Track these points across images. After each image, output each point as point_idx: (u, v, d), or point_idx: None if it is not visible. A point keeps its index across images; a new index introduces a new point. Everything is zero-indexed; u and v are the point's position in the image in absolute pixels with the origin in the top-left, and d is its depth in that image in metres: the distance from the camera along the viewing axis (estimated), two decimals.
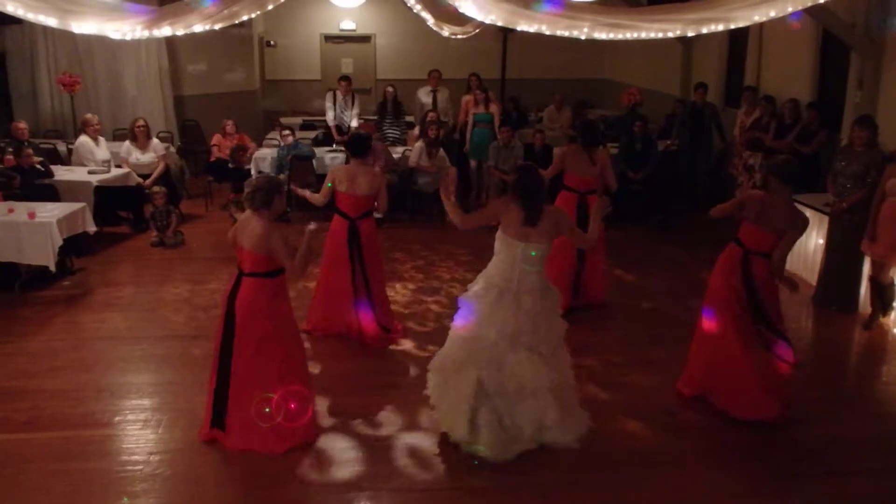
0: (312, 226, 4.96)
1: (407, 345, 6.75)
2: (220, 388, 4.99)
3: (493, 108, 11.53)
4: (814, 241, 7.93)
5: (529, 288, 4.98)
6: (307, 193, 6.86)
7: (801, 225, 5.35)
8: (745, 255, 5.39)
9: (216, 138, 11.40)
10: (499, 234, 5.10)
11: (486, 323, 4.98)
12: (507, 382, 4.95)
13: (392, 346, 6.70)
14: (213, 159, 11.20)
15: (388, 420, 5.46)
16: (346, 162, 10.40)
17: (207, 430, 5.09)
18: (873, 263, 7.04)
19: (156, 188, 9.80)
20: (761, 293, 5.36)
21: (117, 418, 5.45)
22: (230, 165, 10.61)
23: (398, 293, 7.88)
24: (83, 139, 10.39)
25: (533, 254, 5.03)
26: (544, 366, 4.97)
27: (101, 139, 10.59)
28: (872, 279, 7.10)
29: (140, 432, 5.25)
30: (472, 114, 11.51)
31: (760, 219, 5.31)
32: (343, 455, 5.01)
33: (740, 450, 5.17)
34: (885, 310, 7.12)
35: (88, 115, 10.66)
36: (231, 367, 4.93)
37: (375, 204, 6.69)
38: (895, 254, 6.76)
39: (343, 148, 11.15)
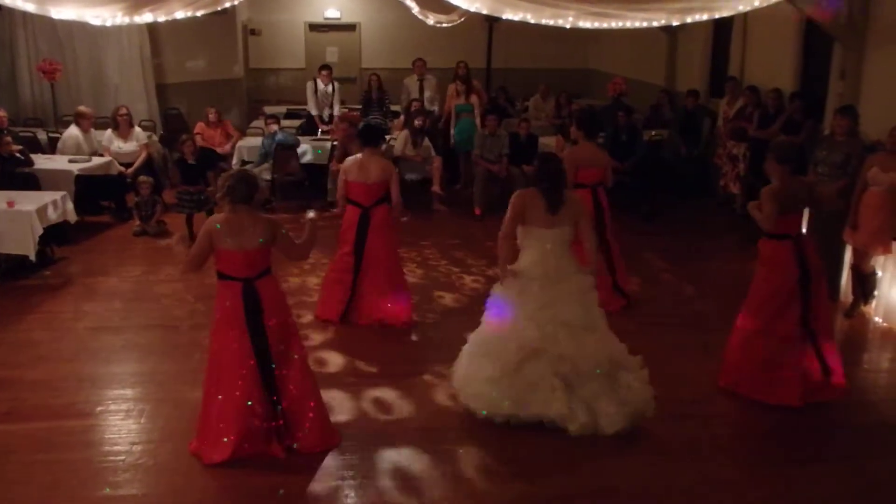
0: (312, 213, 4.92)
1: (400, 333, 6.75)
2: (271, 402, 4.74)
3: (474, 99, 11.48)
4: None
5: (566, 272, 5.11)
6: (336, 211, 6.90)
7: (815, 190, 5.57)
8: (796, 243, 5.41)
9: (199, 126, 11.32)
10: (522, 229, 5.15)
11: (538, 315, 5.06)
12: (581, 363, 5.03)
13: (392, 333, 6.72)
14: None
15: (373, 407, 5.46)
16: (331, 151, 10.41)
17: (201, 444, 4.81)
18: (855, 252, 7.08)
19: (142, 178, 9.69)
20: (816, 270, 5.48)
21: (99, 408, 5.40)
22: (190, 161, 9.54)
23: None
24: (73, 132, 10.27)
25: (548, 246, 5.13)
26: (605, 338, 5.13)
27: (93, 131, 10.47)
28: (854, 268, 7.15)
29: (122, 422, 5.21)
30: (454, 105, 11.48)
31: (792, 206, 5.40)
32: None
33: (725, 438, 5.20)
34: (867, 298, 7.17)
35: (84, 108, 10.55)
36: (279, 379, 4.72)
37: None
38: (876, 242, 6.81)
39: (326, 136, 11.14)
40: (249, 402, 4.68)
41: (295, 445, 4.83)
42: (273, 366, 4.70)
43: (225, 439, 4.68)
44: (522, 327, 5.09)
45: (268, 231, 4.60)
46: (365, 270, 6.68)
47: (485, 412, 5.18)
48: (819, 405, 5.54)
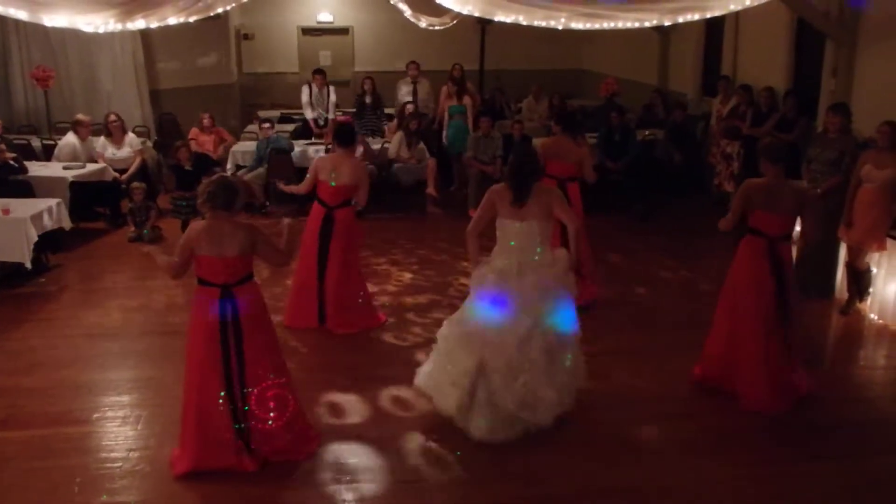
0: (287, 220, 4.90)
1: (388, 336, 6.75)
2: (237, 411, 4.64)
3: (466, 100, 11.52)
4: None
5: (533, 265, 5.09)
6: (292, 187, 7.00)
7: (809, 194, 5.58)
8: (770, 244, 5.43)
9: (193, 132, 11.32)
10: (497, 220, 5.20)
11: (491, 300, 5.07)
12: (511, 359, 5.00)
13: (377, 337, 6.72)
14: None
15: (364, 412, 5.45)
16: (327, 153, 10.41)
17: (182, 454, 4.77)
18: (849, 249, 7.09)
19: (135, 184, 9.70)
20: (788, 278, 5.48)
21: (96, 415, 5.40)
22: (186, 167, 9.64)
23: (383, 285, 7.87)
24: (70, 140, 10.23)
25: (512, 243, 5.13)
26: (550, 333, 5.05)
27: (91, 139, 10.42)
28: (849, 265, 7.16)
29: (119, 429, 5.21)
30: (447, 106, 11.52)
31: (770, 204, 5.39)
32: (320, 448, 4.98)
33: (722, 437, 5.20)
34: (862, 295, 7.18)
35: (82, 116, 10.50)
36: (248, 385, 4.64)
37: (353, 200, 6.71)
38: (871, 239, 6.83)
39: (321, 140, 11.14)
40: (214, 410, 4.61)
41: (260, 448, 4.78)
42: (244, 374, 4.62)
43: (187, 449, 4.67)
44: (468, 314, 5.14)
45: (247, 238, 4.58)
46: (328, 275, 6.66)
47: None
48: (816, 403, 5.57)
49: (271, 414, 4.72)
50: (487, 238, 5.35)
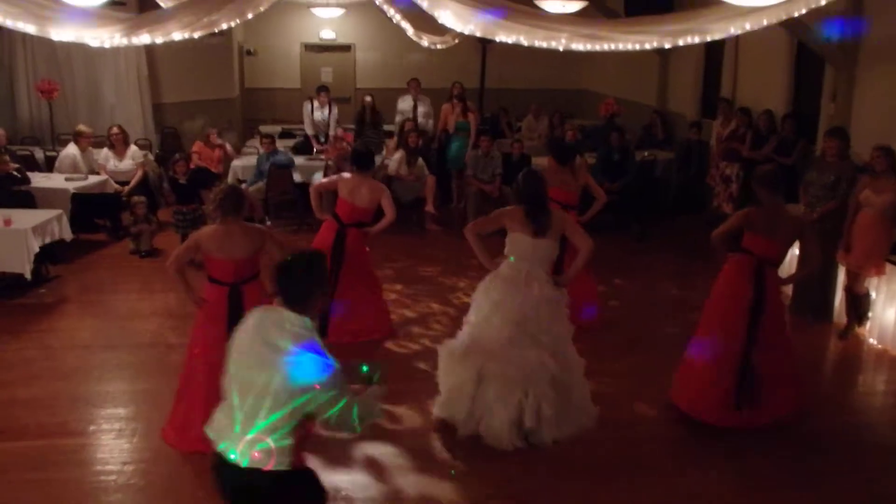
0: None
1: (389, 349, 6.76)
2: None
3: (471, 118, 11.58)
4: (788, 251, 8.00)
5: (537, 277, 5.17)
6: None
7: (808, 223, 5.67)
8: (758, 265, 5.43)
9: (197, 146, 11.33)
10: (508, 236, 5.28)
11: (492, 310, 5.19)
12: (508, 370, 5.10)
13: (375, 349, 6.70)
14: (192, 167, 11.09)
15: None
16: (325, 170, 10.44)
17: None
18: (848, 273, 7.10)
19: (135, 198, 9.67)
20: (772, 303, 5.46)
21: (92, 427, 5.40)
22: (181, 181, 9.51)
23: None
24: (71, 151, 10.27)
25: (512, 258, 5.22)
26: (548, 356, 5.13)
27: (90, 149, 10.47)
28: (847, 289, 7.16)
29: (114, 441, 5.20)
30: (454, 122, 11.57)
31: (770, 230, 5.40)
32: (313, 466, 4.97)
33: (717, 456, 5.20)
34: (861, 320, 7.18)
35: (83, 127, 10.55)
36: None
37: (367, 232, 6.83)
38: (869, 264, 6.84)
39: (322, 156, 11.18)
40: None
41: None
42: None
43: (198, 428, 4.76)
44: (487, 337, 5.20)
45: (257, 240, 4.89)
46: (341, 291, 6.66)
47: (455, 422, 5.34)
48: (814, 427, 5.58)
49: None
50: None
